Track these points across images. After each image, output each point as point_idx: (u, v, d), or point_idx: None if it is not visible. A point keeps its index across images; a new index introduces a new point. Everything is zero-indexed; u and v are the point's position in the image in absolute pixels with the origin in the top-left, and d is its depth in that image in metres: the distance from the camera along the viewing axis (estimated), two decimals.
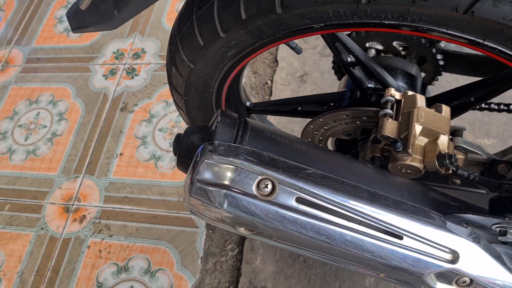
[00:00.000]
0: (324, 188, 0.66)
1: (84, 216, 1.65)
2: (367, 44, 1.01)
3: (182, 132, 0.74)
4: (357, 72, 0.89)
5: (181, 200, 1.61)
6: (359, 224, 0.67)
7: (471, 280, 0.69)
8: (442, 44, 1.01)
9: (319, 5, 0.63)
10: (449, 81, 1.54)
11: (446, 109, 0.79)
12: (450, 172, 0.75)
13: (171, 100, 1.85)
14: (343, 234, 0.66)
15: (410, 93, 0.81)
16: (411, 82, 0.95)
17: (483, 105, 0.97)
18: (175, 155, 0.73)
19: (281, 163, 0.67)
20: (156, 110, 1.84)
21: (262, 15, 0.67)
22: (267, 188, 0.65)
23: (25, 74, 2.10)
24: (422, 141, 0.77)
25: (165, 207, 1.61)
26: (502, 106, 0.99)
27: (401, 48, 1.02)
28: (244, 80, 1.80)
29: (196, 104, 0.89)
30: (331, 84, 1.72)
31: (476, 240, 0.69)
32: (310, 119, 0.92)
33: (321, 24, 0.67)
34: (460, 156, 0.80)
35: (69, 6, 0.77)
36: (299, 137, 0.88)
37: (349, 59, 0.88)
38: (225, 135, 0.69)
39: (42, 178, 1.78)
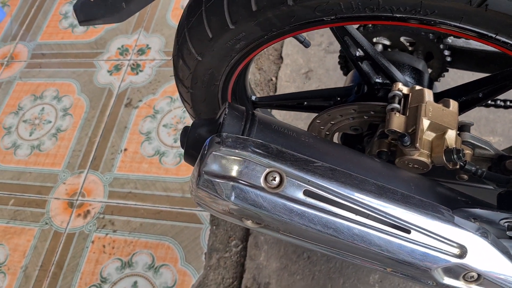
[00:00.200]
0: (332, 181, 0.66)
1: (88, 211, 1.65)
2: (375, 39, 1.00)
3: (189, 125, 0.74)
4: (365, 66, 0.88)
5: (185, 196, 1.61)
6: (367, 218, 0.66)
7: (479, 275, 0.69)
8: (450, 40, 1.01)
9: None
10: (454, 78, 1.54)
11: (454, 104, 0.79)
12: (458, 167, 0.75)
13: (175, 96, 1.85)
14: (350, 228, 0.66)
15: (417, 87, 0.81)
16: (418, 77, 0.94)
17: (489, 102, 0.97)
18: (182, 147, 0.73)
19: (289, 155, 0.66)
20: (160, 106, 1.84)
21: (272, 6, 0.66)
22: (275, 180, 0.65)
23: (30, 69, 2.10)
24: (429, 135, 0.77)
25: (169, 202, 1.61)
26: (508, 103, 0.98)
27: (408, 44, 1.01)
28: (249, 76, 1.80)
29: (202, 97, 0.89)
30: (336, 81, 1.71)
31: (484, 235, 0.68)
32: (315, 114, 0.92)
33: (332, 17, 0.66)
34: (468, 151, 0.80)
35: (75, 0, 0.77)
36: None
37: (357, 53, 0.87)
38: (233, 128, 0.69)
39: (47, 173, 1.78)
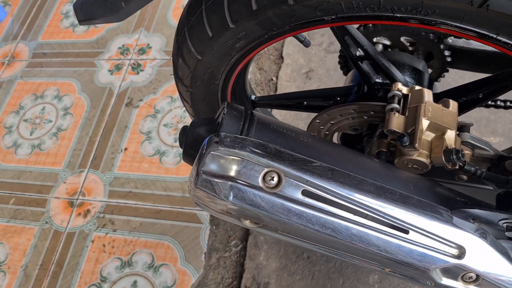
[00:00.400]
0: (330, 181, 0.66)
1: (88, 211, 1.65)
2: (375, 39, 1.00)
3: (188, 125, 0.74)
4: (365, 66, 0.88)
5: (185, 196, 1.61)
6: (365, 218, 0.66)
7: (477, 276, 0.68)
8: (450, 40, 1.00)
9: None
10: (455, 78, 1.53)
11: (453, 104, 0.79)
12: (457, 167, 0.74)
13: (176, 95, 1.85)
14: (348, 228, 0.66)
15: (417, 87, 0.81)
16: (418, 77, 0.94)
17: (489, 102, 0.97)
18: (181, 147, 0.73)
19: (287, 155, 0.66)
20: (161, 105, 1.84)
21: (273, 5, 0.66)
22: (273, 180, 0.64)
23: (31, 68, 2.11)
24: (429, 136, 0.76)
25: (169, 202, 1.61)
26: (508, 103, 0.98)
27: (408, 44, 1.01)
28: (249, 76, 1.80)
29: (202, 96, 0.89)
30: (336, 81, 1.71)
31: (483, 235, 0.68)
32: (315, 114, 0.92)
33: (333, 16, 0.66)
34: (467, 152, 0.79)
35: (75, 0, 0.77)
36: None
37: (357, 53, 0.87)
38: (232, 127, 0.69)
39: (47, 172, 1.78)
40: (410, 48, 1.01)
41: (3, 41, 2.24)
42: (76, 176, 1.74)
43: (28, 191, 1.75)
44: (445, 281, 0.70)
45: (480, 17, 0.60)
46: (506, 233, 0.70)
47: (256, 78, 1.80)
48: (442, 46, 0.99)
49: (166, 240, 1.53)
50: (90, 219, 1.63)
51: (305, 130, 0.93)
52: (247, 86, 1.02)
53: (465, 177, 0.83)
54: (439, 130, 0.76)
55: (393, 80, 0.87)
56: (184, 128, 0.74)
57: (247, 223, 0.69)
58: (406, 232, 0.67)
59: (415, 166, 0.78)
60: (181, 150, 0.74)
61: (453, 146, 0.74)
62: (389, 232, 0.66)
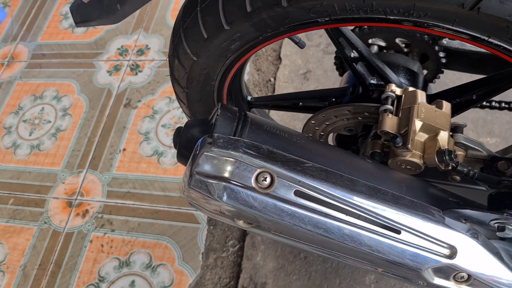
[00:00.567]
0: (323, 181, 0.66)
1: (86, 211, 1.66)
2: (370, 41, 1.01)
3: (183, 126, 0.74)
4: (360, 67, 0.89)
5: (183, 196, 1.62)
6: (357, 218, 0.67)
7: (469, 276, 0.69)
8: (445, 42, 1.01)
9: None
10: (452, 79, 1.54)
11: (446, 105, 0.79)
12: (450, 168, 0.75)
13: (174, 96, 1.85)
14: (341, 228, 0.66)
15: (410, 89, 0.81)
16: (413, 79, 0.95)
17: (484, 103, 0.97)
18: (175, 147, 0.74)
19: (280, 156, 0.67)
20: (159, 106, 1.85)
21: (267, 7, 0.67)
22: (265, 181, 0.65)
23: (30, 69, 2.12)
24: (422, 137, 0.77)
25: (167, 202, 1.61)
26: (503, 104, 0.99)
27: (403, 45, 1.02)
28: (247, 77, 1.81)
29: (198, 97, 0.90)
30: (334, 81, 1.72)
31: (474, 235, 0.69)
32: (311, 115, 0.92)
33: (326, 18, 0.67)
34: (460, 153, 0.80)
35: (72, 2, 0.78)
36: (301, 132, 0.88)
37: (352, 55, 0.88)
38: (225, 128, 0.69)
39: (46, 172, 1.79)
40: (405, 50, 1.02)
41: (3, 42, 2.25)
42: (74, 176, 1.75)
43: (27, 191, 1.76)
44: (437, 280, 0.70)
45: (472, 19, 0.61)
46: (497, 233, 0.70)
47: (254, 79, 1.81)
48: (436, 48, 0.99)
49: (164, 240, 1.54)
50: (89, 219, 1.64)
51: (301, 131, 0.93)
52: (243, 87, 1.03)
53: (458, 177, 0.84)
54: (432, 131, 0.76)
55: (387, 81, 0.88)
56: (179, 129, 0.74)
57: (240, 223, 0.70)
58: (398, 232, 0.67)
59: (408, 167, 0.78)
60: None
61: (446, 147, 0.75)
62: (381, 233, 0.67)
